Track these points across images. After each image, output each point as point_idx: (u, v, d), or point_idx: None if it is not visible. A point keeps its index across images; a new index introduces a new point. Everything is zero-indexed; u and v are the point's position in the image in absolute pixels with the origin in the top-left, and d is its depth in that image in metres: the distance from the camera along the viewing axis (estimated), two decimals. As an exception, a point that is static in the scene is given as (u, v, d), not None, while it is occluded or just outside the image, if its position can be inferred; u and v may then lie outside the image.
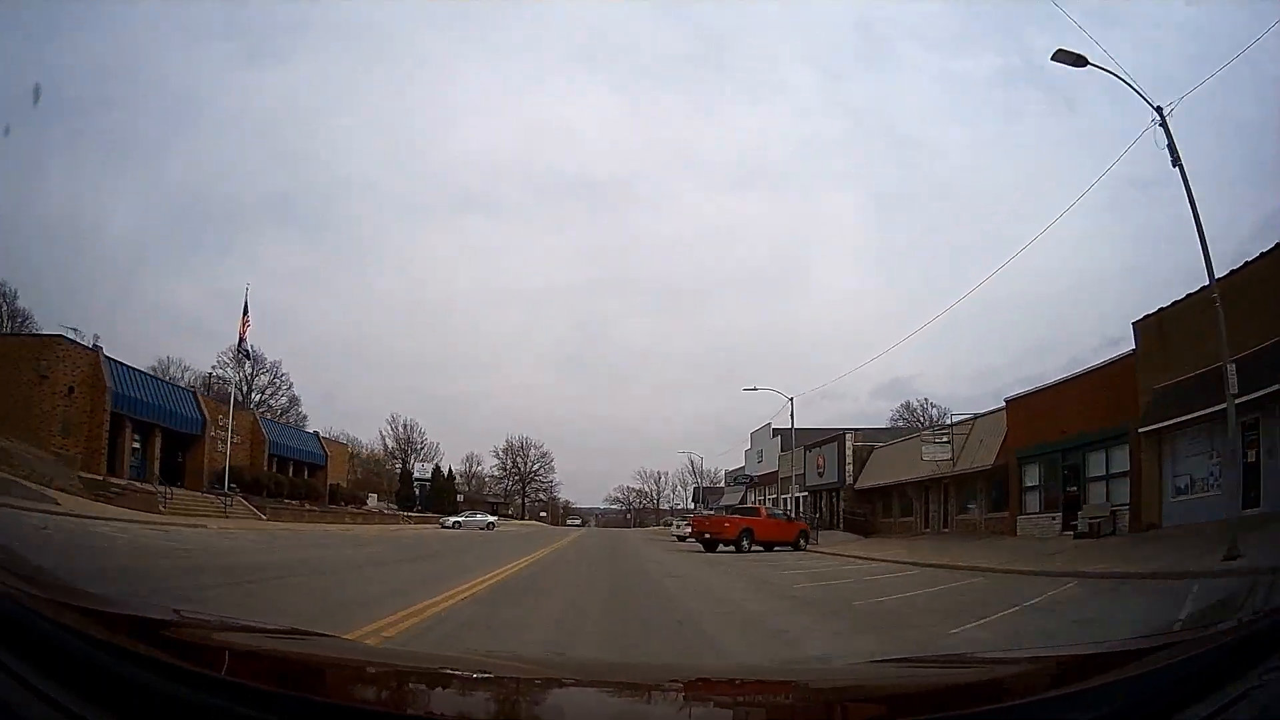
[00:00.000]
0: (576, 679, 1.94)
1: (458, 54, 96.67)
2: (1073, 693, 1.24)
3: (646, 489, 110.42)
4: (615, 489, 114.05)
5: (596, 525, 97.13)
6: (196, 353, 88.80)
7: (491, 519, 49.87)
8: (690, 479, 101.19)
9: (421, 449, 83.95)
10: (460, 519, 48.38)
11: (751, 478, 60.79)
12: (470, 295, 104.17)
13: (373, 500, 61.35)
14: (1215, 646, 1.29)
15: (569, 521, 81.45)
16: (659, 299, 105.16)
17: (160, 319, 71.61)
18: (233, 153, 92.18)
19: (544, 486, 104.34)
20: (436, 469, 71.40)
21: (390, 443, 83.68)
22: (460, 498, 63.83)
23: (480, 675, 1.83)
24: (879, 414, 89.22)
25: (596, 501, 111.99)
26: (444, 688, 1.61)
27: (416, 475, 67.24)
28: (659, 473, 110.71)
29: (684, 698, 1.70)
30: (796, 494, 46.61)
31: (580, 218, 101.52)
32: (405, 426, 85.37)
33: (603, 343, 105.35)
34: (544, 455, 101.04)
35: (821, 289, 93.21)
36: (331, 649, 2.12)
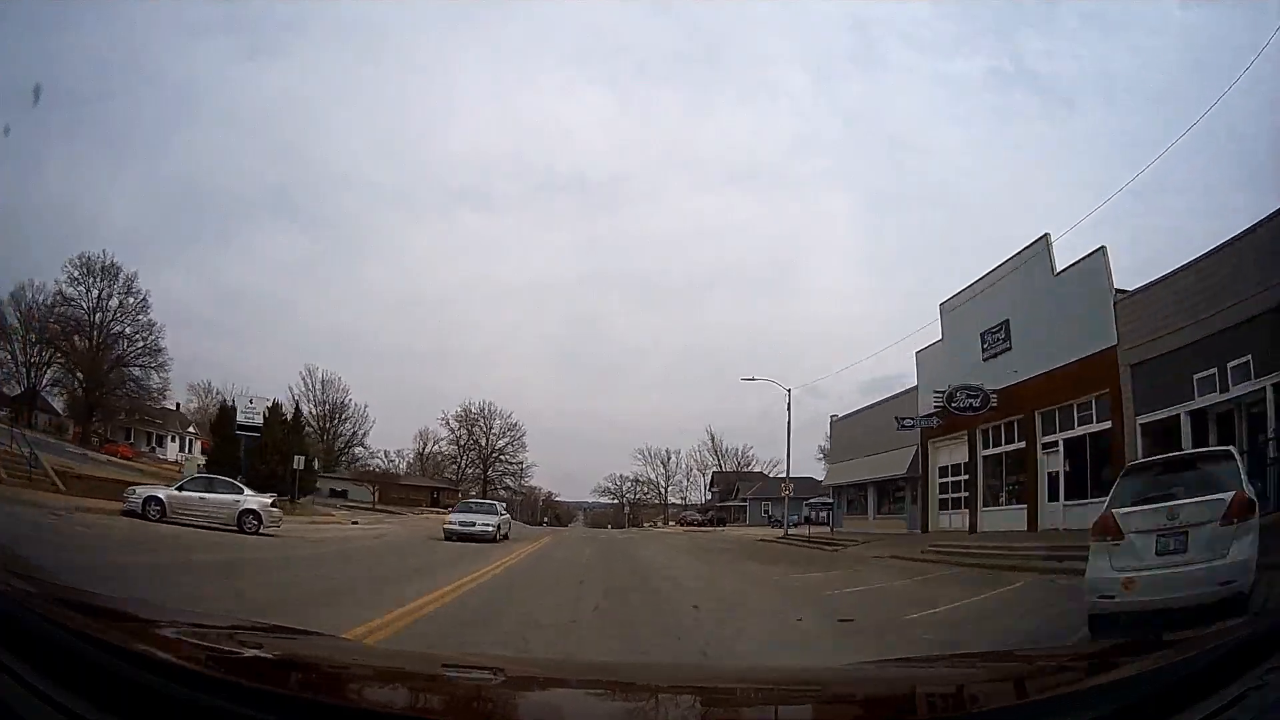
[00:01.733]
0: (577, 679, 1.93)
1: (454, 51, 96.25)
2: (1073, 693, 1.24)
3: (650, 475, 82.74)
4: (606, 478, 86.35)
5: (584, 524, 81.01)
6: (191, 345, 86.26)
7: (256, 502, 18.67)
8: (711, 461, 77.58)
9: (349, 412, 62.96)
10: (167, 493, 18.01)
11: (984, 395, 20.85)
12: (465, 290, 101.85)
13: (186, 457, 44.76)
14: (1215, 646, 1.29)
15: (447, 523, 21.79)
16: (655, 295, 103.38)
17: (157, 312, 70.31)
18: (229, 147, 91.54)
19: (512, 470, 76.50)
20: (274, 410, 35.94)
21: (307, 406, 59.11)
22: (299, 462, 32.55)
23: (480, 675, 1.82)
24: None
25: (585, 495, 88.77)
26: (443, 687, 1.61)
27: (243, 421, 33.70)
28: (668, 451, 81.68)
29: (685, 698, 1.70)
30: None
31: (575, 214, 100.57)
32: (323, 383, 61.47)
33: (597, 340, 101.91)
34: (512, 427, 74.50)
35: (817, 288, 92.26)
36: (331, 649, 2.12)
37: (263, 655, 1.62)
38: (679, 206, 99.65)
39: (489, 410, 75.69)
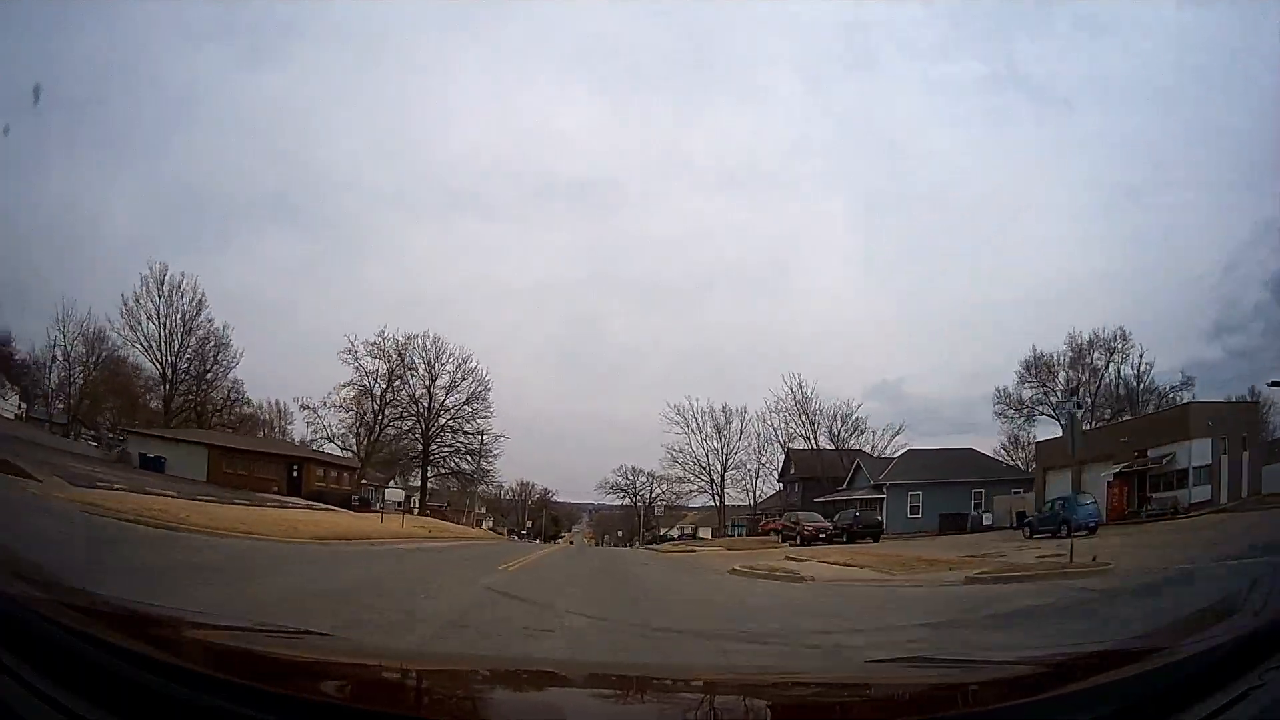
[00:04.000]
0: (577, 679, 1.94)
1: (451, 56, 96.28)
2: (1073, 693, 1.24)
3: (695, 450, 49.26)
4: (616, 470, 60.81)
5: (586, 530, 68.50)
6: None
7: None
8: (799, 428, 46.42)
9: (203, 340, 39.62)
10: None
11: None
12: (465, 291, 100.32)
13: None
14: (1215, 646, 1.29)
15: None
16: (655, 296, 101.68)
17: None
18: (229, 149, 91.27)
19: (470, 444, 46.49)
20: None
21: (146, 323, 38.34)
22: None
23: (480, 675, 1.82)
24: (874, 415, 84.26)
25: (590, 492, 66.69)
26: (444, 687, 1.61)
27: None
28: (727, 410, 48.61)
29: (685, 698, 1.70)
30: None
31: (574, 216, 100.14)
32: (169, 288, 38.30)
33: (597, 341, 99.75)
34: (469, 375, 44.98)
35: (815, 288, 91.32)
36: (331, 649, 2.12)
37: (262, 655, 1.62)
38: (678, 209, 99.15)
39: (432, 345, 44.33)
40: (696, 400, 50.18)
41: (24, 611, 1.22)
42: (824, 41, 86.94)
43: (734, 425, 49.50)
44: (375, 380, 44.20)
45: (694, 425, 49.52)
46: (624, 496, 63.85)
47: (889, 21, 79.54)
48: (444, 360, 45.67)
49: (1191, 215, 59.45)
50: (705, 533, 57.32)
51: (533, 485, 70.39)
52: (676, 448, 50.02)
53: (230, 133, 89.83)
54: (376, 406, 44.69)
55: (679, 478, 51.55)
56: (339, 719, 1.19)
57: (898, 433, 45.61)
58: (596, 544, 70.72)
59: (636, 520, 63.92)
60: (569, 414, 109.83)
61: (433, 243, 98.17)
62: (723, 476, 49.57)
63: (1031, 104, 76.11)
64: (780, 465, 49.94)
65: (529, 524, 65.43)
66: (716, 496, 50.63)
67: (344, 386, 43.41)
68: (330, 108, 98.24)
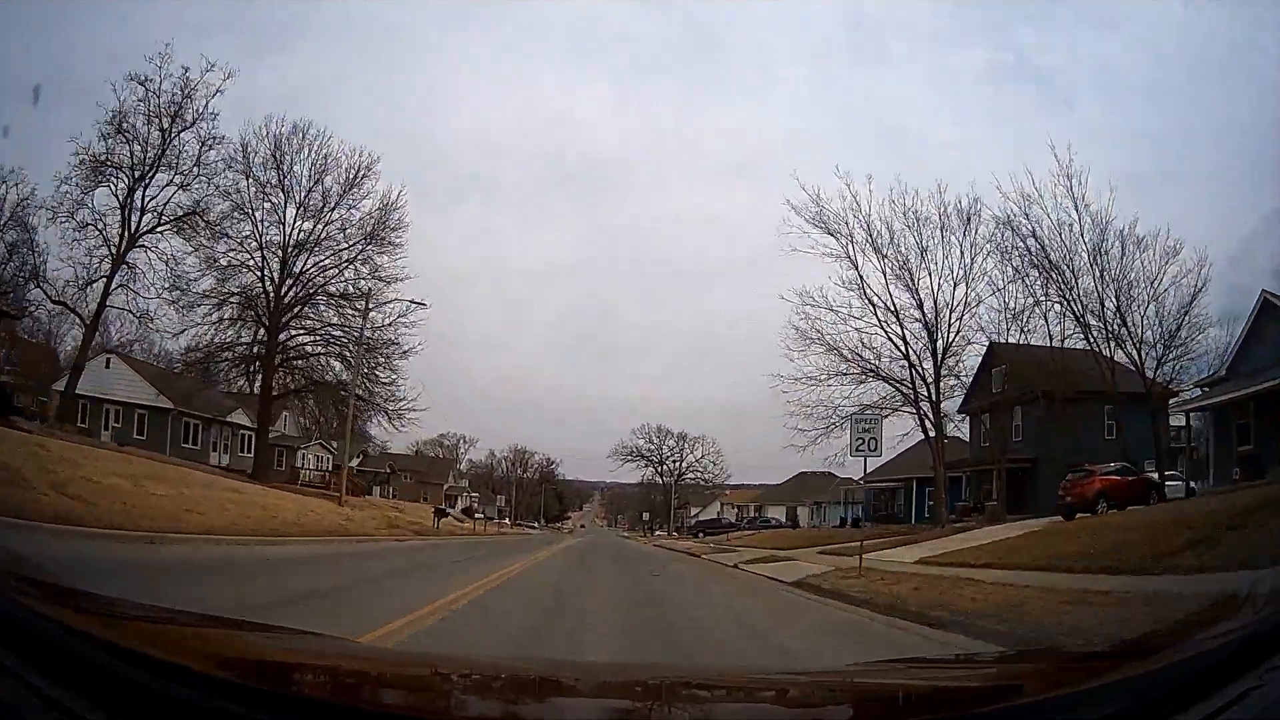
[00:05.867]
0: (577, 680, 1.94)
1: (460, 41, 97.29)
2: (1073, 693, 1.24)
3: (883, 321, 21.57)
4: (637, 431, 51.26)
5: (596, 517, 61.75)
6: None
7: None
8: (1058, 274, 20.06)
9: None
10: None
11: None
12: (475, 274, 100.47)
13: None
14: (1215, 646, 1.29)
15: None
16: (664, 280, 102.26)
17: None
18: (238, 137, 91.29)
19: (352, 324, 24.54)
20: None
21: None
22: None
23: (480, 676, 1.82)
24: (877, 393, 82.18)
25: (597, 464, 59.07)
26: (445, 688, 1.61)
27: None
28: (949, 207, 22.35)
29: (685, 699, 1.70)
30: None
31: (584, 202, 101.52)
32: None
33: (606, 323, 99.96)
34: (358, 183, 24.38)
35: (820, 274, 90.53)
36: (331, 649, 2.12)
37: (263, 655, 1.62)
38: (683, 195, 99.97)
39: (294, 133, 24.70)
40: (869, 183, 23.18)
41: (24, 611, 1.22)
42: (829, 30, 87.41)
43: (955, 252, 21.99)
44: (139, 157, 21.53)
45: (868, 249, 22.58)
46: (646, 465, 49.17)
47: (893, 11, 79.61)
48: (313, 154, 23.62)
49: (1196, 206, 59.26)
50: (776, 516, 41.25)
51: (530, 454, 52.39)
52: (816, 300, 23.01)
53: (238, 120, 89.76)
54: (121, 209, 21.85)
55: (834, 375, 23.32)
56: (339, 719, 1.19)
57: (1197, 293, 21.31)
58: (609, 525, 63.32)
59: (661, 497, 48.36)
60: (576, 393, 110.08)
61: (443, 224, 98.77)
62: (938, 369, 22.26)
63: (1034, 95, 76.02)
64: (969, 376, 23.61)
65: (499, 499, 44.09)
66: (927, 416, 22.60)
67: (80, 160, 21.44)
68: (342, 92, 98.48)
